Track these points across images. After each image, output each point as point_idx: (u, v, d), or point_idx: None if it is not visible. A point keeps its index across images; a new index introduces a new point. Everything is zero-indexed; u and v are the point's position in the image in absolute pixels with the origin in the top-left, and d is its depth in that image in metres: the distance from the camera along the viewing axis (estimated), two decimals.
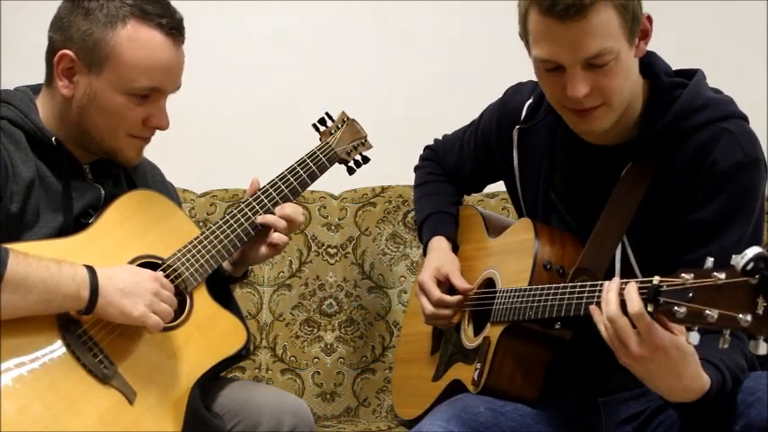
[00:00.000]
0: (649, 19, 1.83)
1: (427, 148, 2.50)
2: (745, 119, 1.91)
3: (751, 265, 1.45)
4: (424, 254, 2.31)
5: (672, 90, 1.91)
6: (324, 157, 2.25)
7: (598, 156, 1.97)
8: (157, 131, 1.98)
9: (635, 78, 1.89)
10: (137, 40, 1.88)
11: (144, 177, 2.12)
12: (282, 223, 2.09)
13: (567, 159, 2.02)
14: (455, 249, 2.29)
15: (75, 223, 1.92)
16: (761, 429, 1.68)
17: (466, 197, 2.52)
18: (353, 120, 2.40)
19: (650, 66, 1.94)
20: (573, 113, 1.88)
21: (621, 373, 1.88)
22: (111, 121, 1.92)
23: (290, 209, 2.11)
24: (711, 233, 1.84)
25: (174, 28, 1.92)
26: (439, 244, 2.28)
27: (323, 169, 2.24)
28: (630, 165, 1.91)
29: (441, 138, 2.47)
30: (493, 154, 2.20)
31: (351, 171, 2.40)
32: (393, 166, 2.77)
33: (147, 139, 1.99)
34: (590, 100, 1.83)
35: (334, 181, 2.55)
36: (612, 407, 2.01)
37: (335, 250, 2.77)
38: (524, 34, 1.86)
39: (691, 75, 1.94)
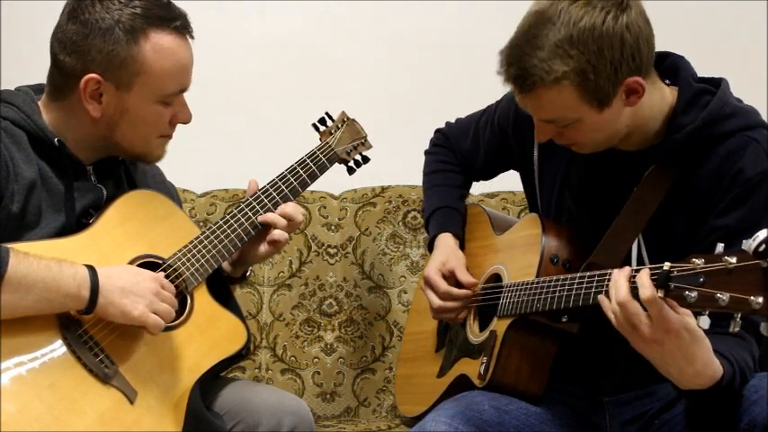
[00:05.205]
0: (637, 81, 1.81)
1: (438, 131, 2.46)
2: None
3: (763, 247, 1.45)
4: (430, 248, 2.31)
5: (700, 96, 1.91)
6: (324, 156, 2.25)
7: (620, 160, 1.96)
8: None
9: (619, 122, 1.86)
10: (160, 49, 1.90)
11: (144, 177, 2.12)
12: (283, 221, 2.09)
13: (586, 161, 2.01)
14: (462, 246, 2.29)
15: (76, 223, 1.92)
16: (763, 427, 1.68)
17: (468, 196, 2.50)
18: (353, 120, 2.40)
19: (678, 71, 1.94)
20: None
21: (628, 373, 1.89)
22: (145, 129, 1.95)
23: (290, 208, 2.11)
24: (732, 239, 1.82)
25: (184, 27, 1.94)
26: (445, 241, 2.28)
27: (323, 169, 2.24)
28: (654, 167, 1.91)
29: (453, 122, 2.44)
30: (510, 144, 2.20)
31: (351, 171, 2.39)
32: (393, 166, 2.78)
33: (171, 136, 2.02)
34: (561, 140, 1.91)
35: (335, 181, 2.55)
36: (617, 406, 2.01)
37: (335, 250, 2.77)
38: None
39: (714, 82, 1.93)
